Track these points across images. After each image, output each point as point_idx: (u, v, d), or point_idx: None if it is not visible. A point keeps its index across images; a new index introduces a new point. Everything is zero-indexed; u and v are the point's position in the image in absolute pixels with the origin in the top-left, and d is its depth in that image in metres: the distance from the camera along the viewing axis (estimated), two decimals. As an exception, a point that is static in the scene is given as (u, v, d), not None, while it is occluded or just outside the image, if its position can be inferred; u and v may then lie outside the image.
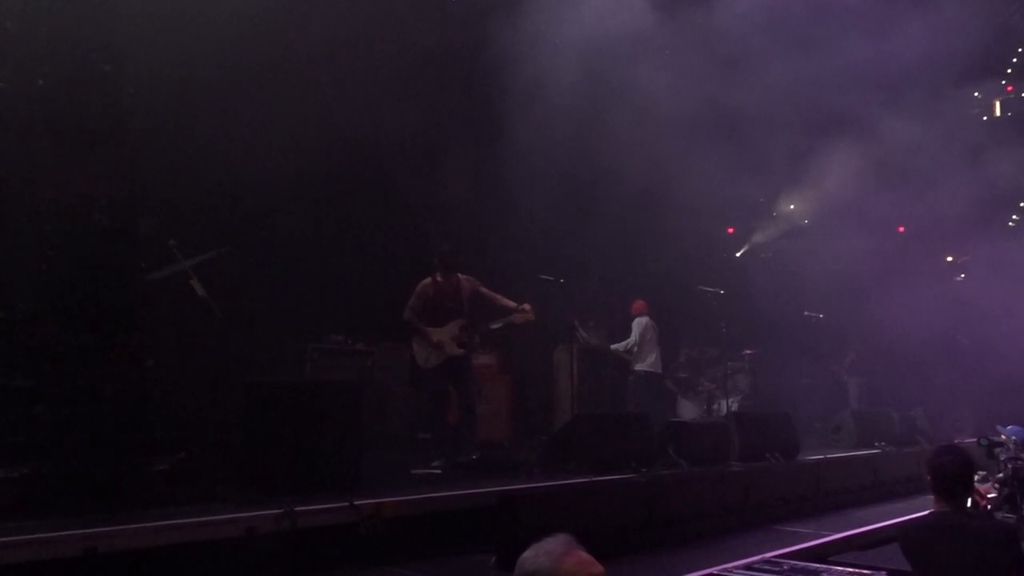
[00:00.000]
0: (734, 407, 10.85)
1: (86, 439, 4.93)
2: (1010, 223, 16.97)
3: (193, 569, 4.30)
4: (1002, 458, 6.54)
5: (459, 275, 7.72)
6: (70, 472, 4.77)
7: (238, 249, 7.16)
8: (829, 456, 9.16)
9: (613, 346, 10.68)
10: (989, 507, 5.24)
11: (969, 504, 4.10)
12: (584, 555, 2.16)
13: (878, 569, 3.93)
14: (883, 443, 10.40)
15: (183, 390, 5.97)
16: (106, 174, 5.59)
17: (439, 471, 7.18)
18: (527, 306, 7.66)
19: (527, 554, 2.18)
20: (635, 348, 10.52)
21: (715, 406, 11.16)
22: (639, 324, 10.56)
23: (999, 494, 6.41)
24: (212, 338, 6.25)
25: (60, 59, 5.49)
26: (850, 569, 3.95)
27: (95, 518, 4.24)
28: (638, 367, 10.49)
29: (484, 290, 7.77)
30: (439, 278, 7.66)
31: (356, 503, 4.94)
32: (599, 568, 2.16)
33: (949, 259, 17.00)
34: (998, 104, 17.82)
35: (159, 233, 6.32)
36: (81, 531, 3.97)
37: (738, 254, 15.22)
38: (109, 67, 5.66)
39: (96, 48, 5.66)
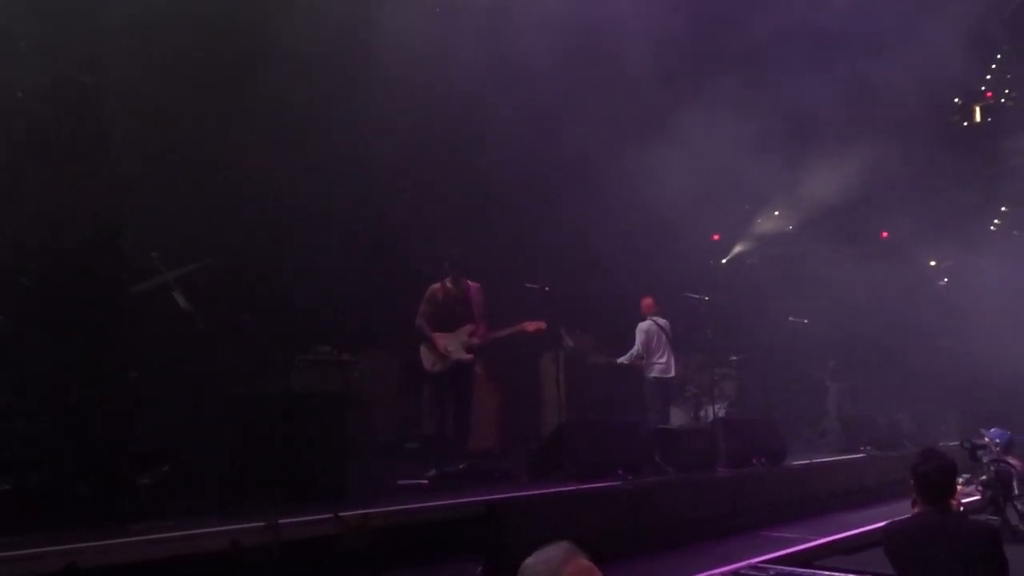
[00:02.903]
0: (720, 413, 10.88)
1: (68, 453, 4.88)
2: (991, 227, 17.14)
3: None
4: (985, 460, 6.63)
5: (468, 281, 7.73)
6: (52, 486, 4.72)
7: (221, 260, 7.13)
8: (815, 461, 9.20)
9: (619, 359, 10.28)
10: (962, 509, 5.30)
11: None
12: (584, 563, 2.16)
13: (863, 573, 3.95)
14: (869, 447, 10.45)
15: (166, 403, 5.91)
16: (89, 186, 5.54)
17: (426, 481, 7.16)
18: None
19: (529, 561, 2.19)
20: (643, 356, 10.05)
21: (702, 412, 11.18)
22: (641, 330, 10.13)
23: (983, 496, 6.49)
24: (196, 350, 6.22)
25: (41, 71, 5.46)
26: (836, 574, 3.97)
27: (77, 533, 4.20)
28: (649, 374, 10.11)
29: (480, 302, 7.73)
30: (448, 283, 7.68)
31: (341, 514, 4.91)
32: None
33: (932, 263, 17.16)
34: (978, 109, 18.02)
35: (142, 245, 6.29)
36: (62, 547, 3.92)
37: (724, 261, 15.31)
38: (91, 78, 5.63)
39: (77, 59, 5.63)
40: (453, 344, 7.57)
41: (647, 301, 10.30)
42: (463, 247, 8.24)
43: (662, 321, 10.18)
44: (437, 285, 7.72)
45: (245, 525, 4.57)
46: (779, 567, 4.21)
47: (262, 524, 4.58)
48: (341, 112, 8.85)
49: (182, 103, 7.25)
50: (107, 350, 5.34)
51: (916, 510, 4.05)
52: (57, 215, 5.35)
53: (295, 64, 8.08)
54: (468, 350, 7.59)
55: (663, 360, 10.08)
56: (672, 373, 10.14)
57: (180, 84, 7.11)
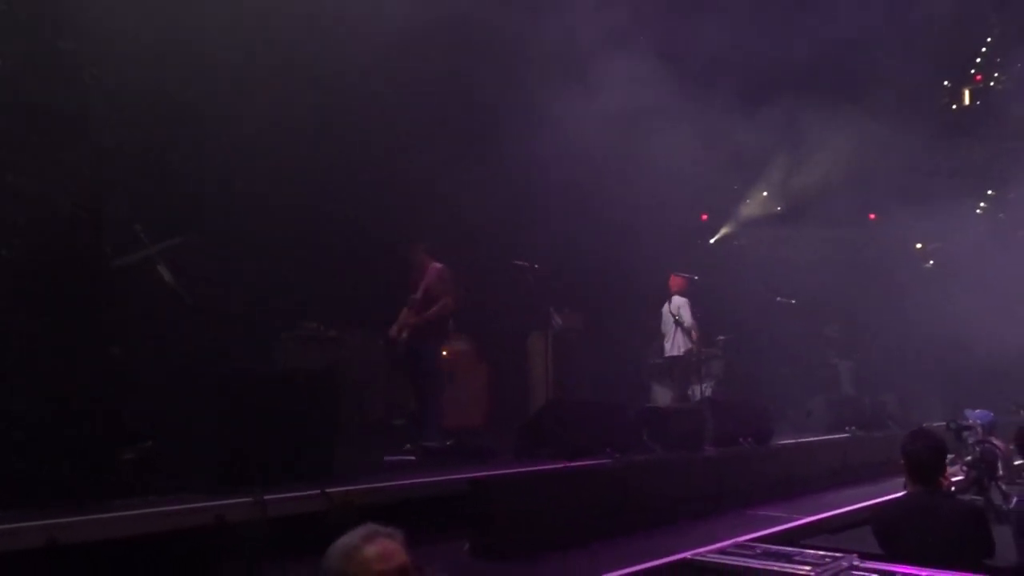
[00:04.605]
0: (708, 393, 10.90)
1: (50, 428, 4.81)
2: (978, 210, 17.20)
3: (161, 559, 4.22)
4: (970, 441, 6.66)
5: (431, 263, 7.92)
6: (33, 462, 4.65)
7: (207, 234, 7.03)
8: (800, 441, 9.25)
9: None
10: (953, 488, 5.33)
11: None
12: (385, 545, 2.15)
13: (849, 552, 3.95)
14: (853, 428, 10.53)
15: (150, 378, 5.83)
16: (70, 157, 5.43)
17: (412, 457, 7.16)
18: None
19: (331, 546, 2.17)
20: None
21: (689, 392, 11.20)
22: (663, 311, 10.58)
23: (967, 477, 6.52)
24: (180, 325, 6.13)
25: (18, 39, 5.32)
26: (821, 552, 3.97)
27: (58, 509, 4.14)
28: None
29: (432, 283, 7.92)
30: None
31: (328, 491, 4.88)
32: (399, 560, 2.15)
33: (919, 246, 17.24)
34: (967, 93, 18.04)
35: (125, 218, 6.18)
36: (42, 522, 3.87)
37: (712, 241, 15.29)
38: (71, 46, 5.49)
39: (57, 26, 5.49)
40: (396, 325, 7.94)
41: (669, 280, 10.63)
42: (454, 225, 8.23)
43: (675, 300, 10.47)
44: None
45: (230, 501, 4.54)
46: (765, 545, 4.19)
47: (248, 500, 4.54)
48: (328, 88, 8.72)
49: (167, 71, 7.09)
50: (89, 324, 5.26)
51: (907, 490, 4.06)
52: (36, 186, 5.24)
53: (284, 36, 7.94)
54: (400, 330, 7.91)
55: (665, 342, 10.48)
56: (666, 353, 10.51)
57: (165, 51, 6.95)
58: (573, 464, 6.63)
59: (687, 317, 10.40)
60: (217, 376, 5.52)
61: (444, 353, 9.64)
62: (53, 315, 5.08)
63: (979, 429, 6.88)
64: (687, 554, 4.42)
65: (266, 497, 4.60)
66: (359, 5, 7.94)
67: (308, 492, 4.85)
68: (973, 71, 17.93)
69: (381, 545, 2.15)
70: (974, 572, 3.54)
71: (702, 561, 3.84)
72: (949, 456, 6.47)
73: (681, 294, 10.44)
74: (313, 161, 8.62)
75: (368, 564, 2.10)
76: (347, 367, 8.57)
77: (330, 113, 8.80)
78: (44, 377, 4.91)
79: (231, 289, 7.72)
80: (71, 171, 5.40)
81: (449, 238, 9.26)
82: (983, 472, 6.30)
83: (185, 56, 7.12)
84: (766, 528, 6.24)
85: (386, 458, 7.07)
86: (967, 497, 6.00)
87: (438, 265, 7.97)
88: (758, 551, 3.88)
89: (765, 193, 15.49)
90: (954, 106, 18.10)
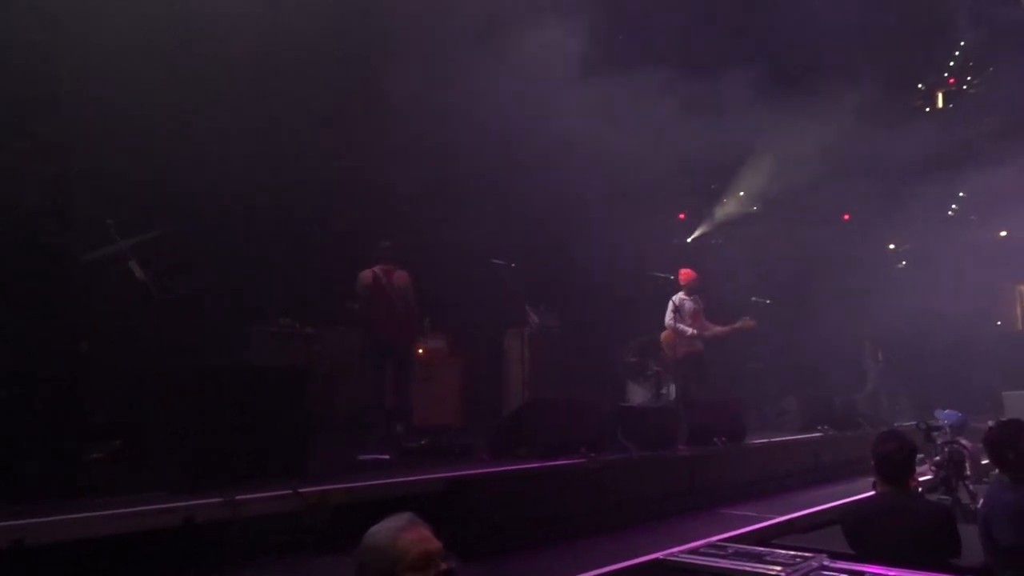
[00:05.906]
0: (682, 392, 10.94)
1: (16, 426, 4.72)
2: (949, 212, 17.42)
3: (128, 561, 4.15)
4: (939, 441, 6.75)
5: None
6: (-1, 461, 4.57)
7: (179, 229, 6.94)
8: (773, 440, 9.32)
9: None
10: (920, 489, 5.40)
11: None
12: (424, 531, 2.36)
13: (820, 552, 3.99)
14: (825, 427, 10.63)
15: (120, 375, 5.75)
16: (39, 149, 5.35)
17: (387, 456, 7.12)
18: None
19: (372, 529, 2.36)
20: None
21: (663, 390, 11.24)
22: None
23: (935, 476, 6.61)
24: (151, 321, 6.05)
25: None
26: (792, 552, 4.00)
27: (24, 509, 4.06)
28: None
29: None
30: None
31: (301, 491, 4.83)
32: (435, 544, 2.36)
33: (891, 247, 17.45)
34: (940, 96, 18.26)
35: (95, 212, 6.09)
36: (7, 523, 3.79)
37: (689, 240, 15.36)
38: (42, 36, 5.41)
39: (29, 17, 5.41)
40: None
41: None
42: (432, 224, 8.23)
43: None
44: None
45: (201, 501, 4.48)
46: (737, 545, 4.22)
47: (219, 500, 4.49)
48: (305, 85, 8.64)
49: (139, 63, 6.98)
50: (57, 320, 5.17)
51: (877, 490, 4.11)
52: (5, 178, 5.16)
53: (252, 29, 7.85)
54: None
55: None
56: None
57: (136, 43, 6.84)
58: (548, 463, 6.62)
59: (666, 315, 10.42)
60: (189, 373, 5.45)
61: (420, 351, 9.63)
62: (20, 310, 5.00)
63: (948, 429, 6.98)
64: (659, 554, 4.44)
65: (238, 497, 4.55)
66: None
67: (281, 492, 4.80)
68: (946, 74, 18.14)
69: (422, 531, 2.35)
70: (941, 571, 3.59)
71: (674, 561, 3.85)
72: (919, 456, 6.57)
73: (688, 291, 10.43)
74: (289, 159, 8.54)
75: (414, 544, 2.29)
76: (323, 364, 8.54)
77: (305, 111, 8.72)
78: (10, 373, 4.83)
79: (203, 284, 7.64)
80: (41, 163, 5.32)
81: (427, 237, 9.24)
82: (951, 472, 6.40)
83: (159, 50, 7.02)
84: (738, 528, 6.28)
85: (360, 457, 7.02)
86: (935, 497, 6.09)
87: (365, 271, 8.02)
88: (730, 551, 3.90)
89: (742, 193, 15.58)
90: (927, 108, 18.31)
